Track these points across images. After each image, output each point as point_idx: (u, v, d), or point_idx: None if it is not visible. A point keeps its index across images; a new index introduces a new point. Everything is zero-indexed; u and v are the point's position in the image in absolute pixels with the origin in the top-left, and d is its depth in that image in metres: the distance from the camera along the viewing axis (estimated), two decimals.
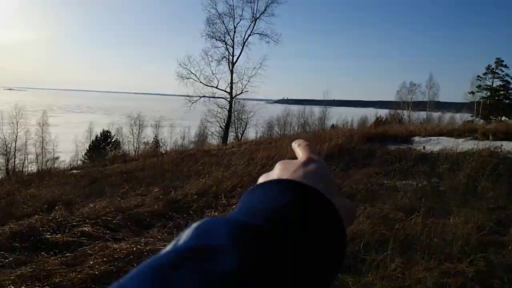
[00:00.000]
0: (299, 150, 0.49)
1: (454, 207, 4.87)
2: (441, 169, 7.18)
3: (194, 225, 0.31)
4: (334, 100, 58.01)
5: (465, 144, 8.88)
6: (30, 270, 3.21)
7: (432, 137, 10.51)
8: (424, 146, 9.16)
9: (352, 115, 61.90)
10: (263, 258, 0.29)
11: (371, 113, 54.21)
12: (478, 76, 42.63)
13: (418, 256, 3.38)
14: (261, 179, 0.42)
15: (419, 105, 45.96)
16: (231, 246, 0.28)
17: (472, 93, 43.08)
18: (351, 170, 7.11)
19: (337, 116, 56.40)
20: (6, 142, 34.03)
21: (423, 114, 43.76)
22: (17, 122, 35.88)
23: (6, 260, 3.52)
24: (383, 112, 49.56)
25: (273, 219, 0.32)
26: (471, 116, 42.06)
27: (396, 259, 3.32)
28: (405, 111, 43.92)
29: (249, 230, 0.30)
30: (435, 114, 48.46)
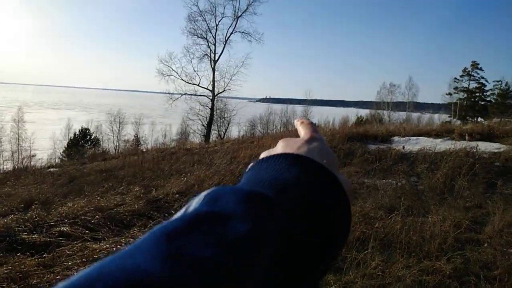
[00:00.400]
0: (302, 128, 0.50)
1: (432, 206, 5.00)
2: (420, 169, 7.35)
3: (204, 193, 0.32)
4: (316, 99, 58.43)
5: (442, 144, 9.11)
6: (6, 271, 3.11)
7: (411, 137, 10.74)
8: (403, 146, 9.34)
9: (334, 114, 62.62)
10: (274, 227, 0.30)
11: (353, 113, 54.93)
12: (455, 78, 43.84)
13: (397, 254, 3.45)
14: (263, 155, 0.42)
15: (399, 106, 46.91)
16: (242, 213, 0.28)
17: (450, 94, 44.28)
18: None
19: (319, 115, 56.97)
20: None
21: (402, 115, 44.65)
22: None
23: None
24: (364, 112, 50.31)
25: (283, 190, 0.33)
26: (449, 116, 43.24)
27: (377, 257, 3.37)
28: (385, 111, 44.73)
29: (259, 199, 0.31)
30: (414, 115, 49.54)
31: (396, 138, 10.79)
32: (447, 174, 6.61)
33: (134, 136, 43.22)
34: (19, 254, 3.66)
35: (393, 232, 3.96)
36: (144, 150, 15.92)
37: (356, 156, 8.29)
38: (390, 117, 42.07)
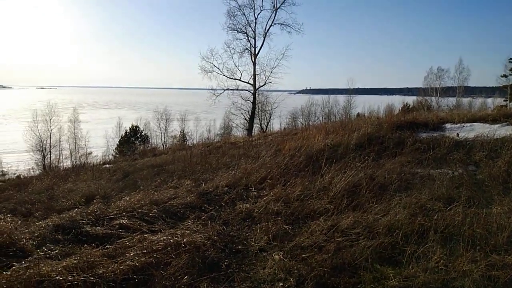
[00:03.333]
0: None
1: (495, 196, 4.67)
2: (478, 157, 6.89)
3: None
4: (358, 88, 56.68)
5: (501, 130, 8.46)
6: (74, 261, 3.33)
7: (465, 124, 10.08)
8: (457, 133, 8.81)
9: (378, 102, 60.46)
10: None
11: (397, 101, 52.68)
12: (511, 58, 40.32)
13: (461, 248, 3.26)
14: None
15: (447, 91, 44.16)
16: None
17: (505, 76, 40.85)
18: (382, 160, 6.94)
19: (362, 104, 55.19)
20: (42, 139, 35.46)
21: (452, 100, 42.08)
22: (50, 119, 37.24)
23: (52, 252, 3.67)
24: (409, 99, 48.05)
25: None
26: (504, 100, 39.93)
27: (438, 250, 3.21)
28: (433, 98, 42.35)
29: None
30: (465, 100, 46.51)
31: (448, 125, 10.19)
32: (509, 162, 6.13)
33: (180, 132, 44.60)
34: (85, 245, 3.91)
35: (454, 224, 3.75)
36: (191, 145, 16.36)
37: (406, 145, 7.93)
38: (438, 103, 39.78)
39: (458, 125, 10.05)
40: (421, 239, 3.55)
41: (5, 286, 2.92)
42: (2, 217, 5.11)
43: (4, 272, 3.27)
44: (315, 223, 4.08)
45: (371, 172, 5.85)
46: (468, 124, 10.04)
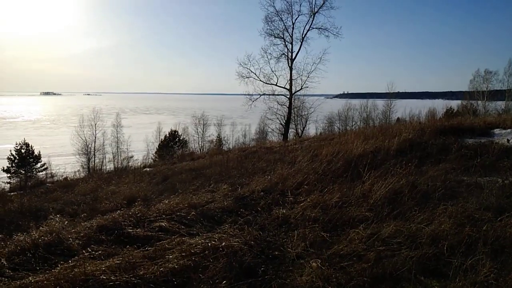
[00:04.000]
0: None
1: None
2: None
3: None
4: (398, 92, 54.77)
5: None
6: (117, 262, 3.46)
7: None
8: (507, 139, 8.31)
9: (419, 107, 58.23)
10: None
11: (440, 105, 50.44)
12: None
13: None
14: None
15: (495, 95, 41.61)
16: None
17: None
18: (425, 166, 6.65)
19: (402, 109, 53.32)
20: (87, 143, 37.41)
21: (500, 104, 39.61)
22: (95, 124, 39.24)
23: (97, 252, 3.84)
24: (453, 104, 45.84)
25: None
26: None
27: (488, 263, 3.01)
28: (479, 102, 40.09)
29: None
30: None
31: (497, 131, 9.66)
32: None
33: (217, 137, 45.37)
34: (127, 246, 4.05)
35: (505, 236, 3.51)
36: (228, 150, 16.56)
37: (451, 151, 7.56)
38: (485, 107, 37.58)
39: (508, 130, 9.48)
40: (469, 251, 3.35)
41: (53, 284, 3.08)
42: (52, 217, 5.41)
43: (53, 270, 3.46)
44: (354, 231, 3.97)
45: (413, 179, 5.62)
46: None
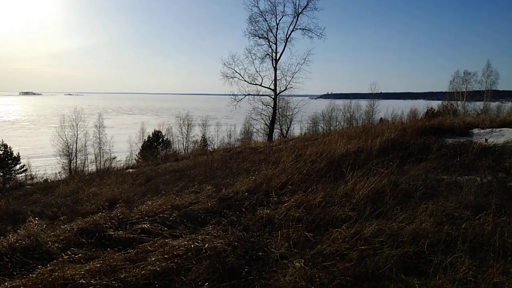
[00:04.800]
0: None
1: None
2: (508, 163, 6.61)
3: None
4: (381, 92, 55.68)
5: None
6: (97, 265, 3.38)
7: (493, 129, 9.75)
8: (486, 139, 8.52)
9: (401, 107, 59.36)
10: None
11: (422, 105, 51.52)
12: None
13: (491, 259, 3.11)
14: None
15: (474, 95, 42.79)
16: None
17: None
18: (406, 166, 6.76)
19: (385, 109, 54.30)
20: (68, 144, 36.62)
21: (479, 105, 40.76)
22: (77, 125, 38.46)
23: (76, 256, 3.75)
24: (434, 104, 46.91)
25: None
26: None
27: (467, 261, 3.08)
28: (459, 102, 41.15)
29: None
30: (494, 104, 44.99)
31: (475, 131, 9.90)
32: None
33: (202, 137, 45.13)
34: (108, 249, 3.97)
35: (483, 234, 3.59)
36: (212, 150, 16.49)
37: (432, 151, 7.71)
38: (465, 108, 38.59)
39: (486, 130, 9.72)
40: (448, 248, 3.41)
41: None
42: (31, 220, 5.27)
43: (30, 275, 3.36)
44: (337, 231, 3.99)
45: (395, 178, 5.70)
46: (497, 130, 9.69)
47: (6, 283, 3.10)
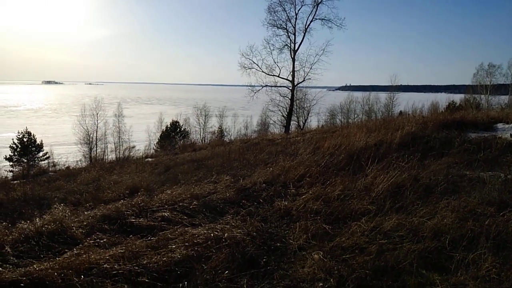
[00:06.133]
0: None
1: None
2: None
3: None
4: (401, 85, 54.47)
5: None
6: (121, 251, 3.48)
7: None
8: (510, 134, 8.28)
9: (422, 100, 58.03)
10: None
11: (443, 98, 50.24)
12: None
13: None
14: None
15: (499, 89, 41.32)
16: None
17: None
18: (427, 160, 6.64)
19: (405, 102, 53.12)
20: (89, 132, 37.43)
21: (504, 99, 39.36)
22: (97, 114, 39.21)
23: (100, 241, 3.87)
24: (455, 97, 45.62)
25: None
26: None
27: (490, 258, 3.03)
28: (482, 96, 39.83)
29: None
30: None
31: (500, 125, 9.61)
32: None
33: (219, 128, 45.37)
34: (130, 235, 4.08)
35: (507, 231, 3.52)
36: (229, 141, 16.55)
37: (454, 145, 7.55)
38: (488, 101, 37.35)
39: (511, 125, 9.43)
40: (471, 245, 3.36)
41: (57, 271, 3.10)
42: (56, 206, 5.44)
43: (57, 258, 3.49)
44: (356, 224, 3.98)
45: (415, 173, 5.62)
46: None
47: (35, 265, 3.22)
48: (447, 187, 5.09)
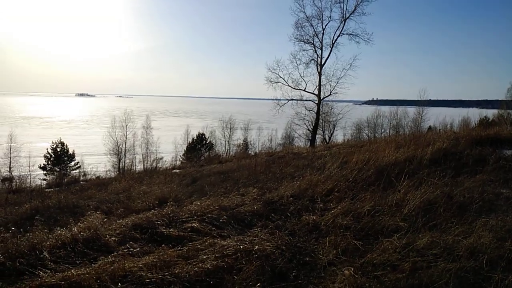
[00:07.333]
0: None
1: None
2: None
3: None
4: (430, 99, 53.05)
5: None
6: (153, 260, 3.57)
7: None
8: None
9: (452, 115, 56.34)
10: None
11: (474, 114, 48.53)
12: None
13: None
14: None
15: None
16: None
17: None
18: (460, 177, 6.44)
19: (434, 117, 51.66)
20: (118, 143, 38.58)
21: None
22: (126, 126, 40.40)
23: (134, 250, 3.98)
24: (488, 113, 44.00)
25: None
26: None
27: None
28: None
29: None
30: None
31: None
32: None
33: (243, 141, 45.67)
34: (162, 245, 4.17)
35: None
36: (254, 154, 16.64)
37: (488, 162, 7.29)
38: None
39: None
40: (510, 266, 3.22)
41: (94, 277, 3.22)
42: (90, 214, 5.63)
43: (93, 264, 3.61)
44: (387, 241, 3.91)
45: (448, 190, 5.46)
46: None
47: (72, 271, 3.35)
48: (482, 206, 4.92)
